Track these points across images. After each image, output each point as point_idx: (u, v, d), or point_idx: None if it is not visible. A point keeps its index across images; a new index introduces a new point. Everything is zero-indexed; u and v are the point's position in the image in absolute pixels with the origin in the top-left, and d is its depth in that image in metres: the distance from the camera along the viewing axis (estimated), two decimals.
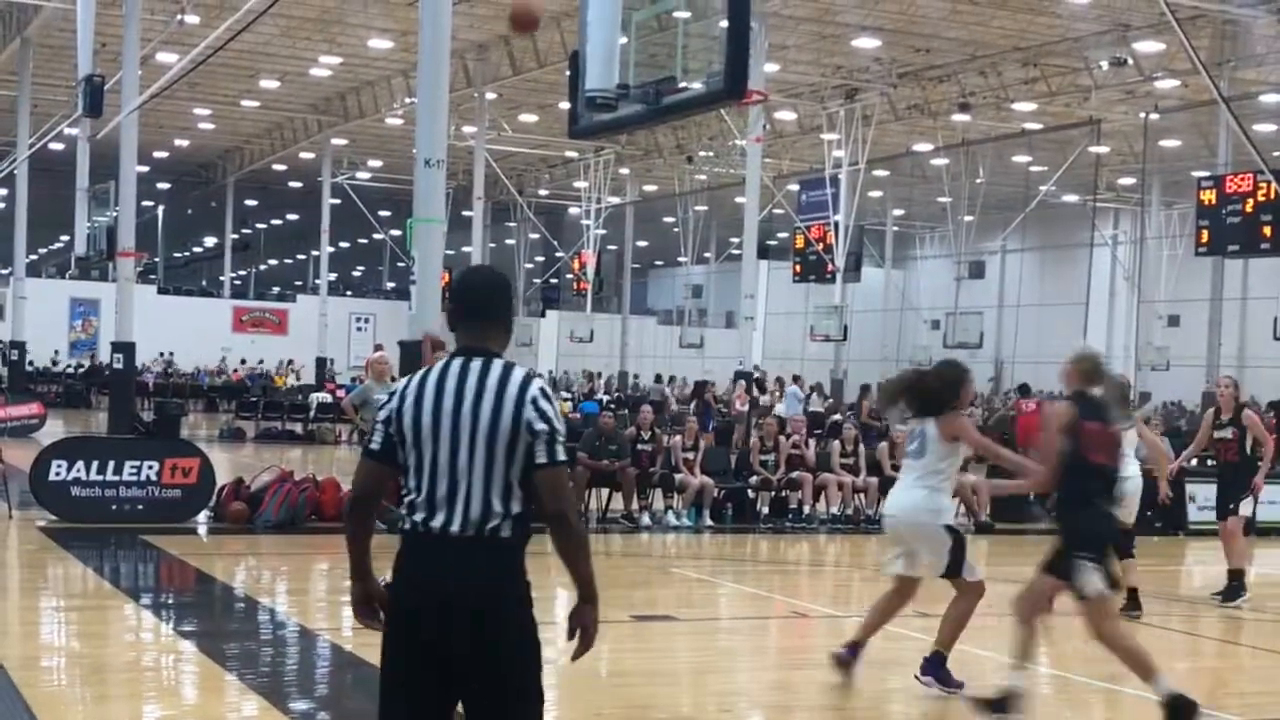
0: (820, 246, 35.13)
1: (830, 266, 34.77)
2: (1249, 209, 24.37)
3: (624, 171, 48.23)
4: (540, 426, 4.07)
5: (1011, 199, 41.65)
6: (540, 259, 57.41)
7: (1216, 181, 25.67)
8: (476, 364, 4.17)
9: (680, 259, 52.54)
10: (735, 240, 39.13)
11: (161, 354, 46.26)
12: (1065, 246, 47.65)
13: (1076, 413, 7.42)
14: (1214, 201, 25.19)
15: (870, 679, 8.83)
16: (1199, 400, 36.72)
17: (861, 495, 18.00)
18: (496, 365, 4.17)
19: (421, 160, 12.48)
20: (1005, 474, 8.54)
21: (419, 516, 4.11)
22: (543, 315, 55.73)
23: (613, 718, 7.57)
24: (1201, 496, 18.52)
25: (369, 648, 4.40)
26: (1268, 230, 24.09)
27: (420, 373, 4.27)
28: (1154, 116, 34.04)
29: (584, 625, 4.22)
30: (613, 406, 30.52)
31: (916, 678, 8.07)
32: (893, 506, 8.26)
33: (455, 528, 4.06)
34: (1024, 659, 7.36)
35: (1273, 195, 23.87)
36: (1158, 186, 42.03)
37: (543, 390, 4.13)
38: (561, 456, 4.09)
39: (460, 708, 4.16)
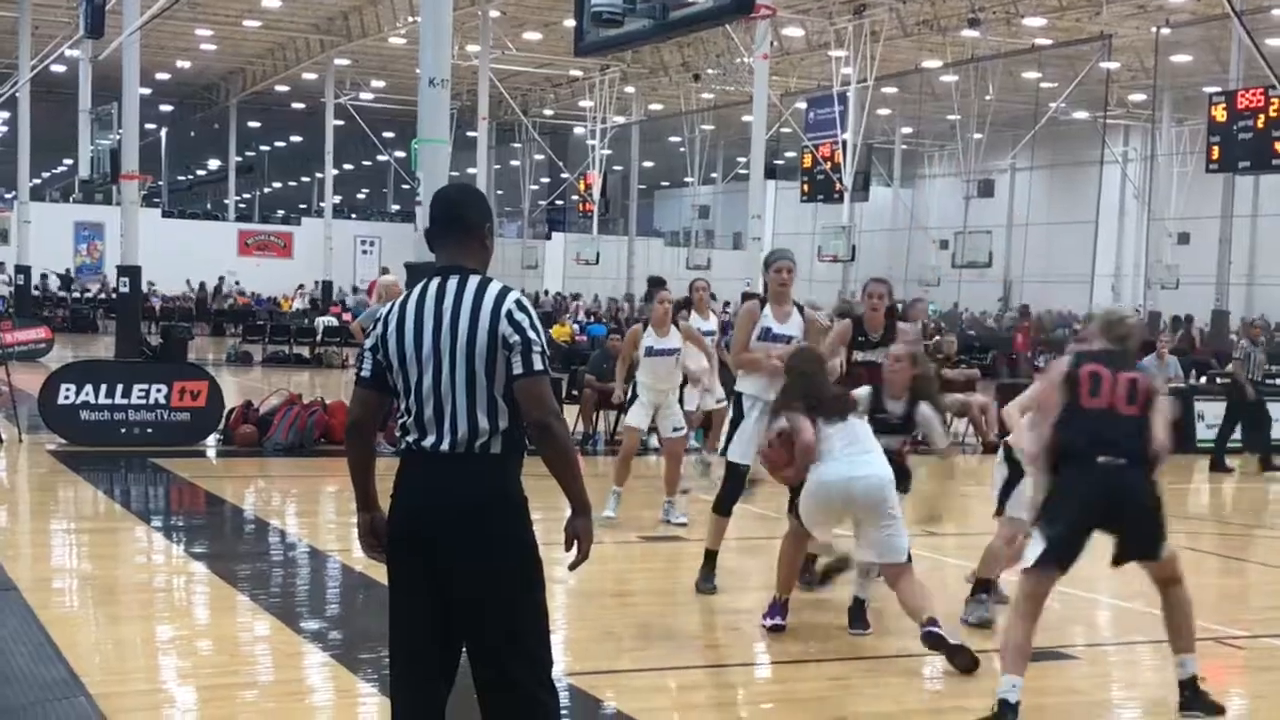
0: (828, 166, 34.92)
1: (838, 186, 34.58)
2: (1260, 125, 24.18)
3: (630, 91, 47.84)
4: (515, 338, 4.07)
5: (1021, 116, 41.28)
6: (545, 180, 57.13)
7: (1228, 97, 25.45)
8: (453, 282, 4.17)
9: (687, 179, 52.22)
10: (742, 160, 38.86)
11: (188, 281, 46.25)
12: (1075, 164, 47.31)
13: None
14: (1225, 118, 24.99)
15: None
16: (1208, 318, 36.68)
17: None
18: (472, 282, 4.17)
19: (425, 80, 12.33)
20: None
21: (411, 438, 4.17)
22: (548, 238, 55.54)
23: (622, 637, 7.59)
24: (1210, 415, 18.55)
25: (379, 568, 4.40)
26: (1279, 146, 23.91)
27: (402, 296, 4.28)
28: (1165, 31, 33.67)
29: (578, 535, 4.22)
30: (616, 330, 30.43)
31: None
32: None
33: (445, 447, 4.10)
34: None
35: None
36: (1169, 103, 41.62)
37: (518, 302, 4.13)
38: (539, 366, 4.08)
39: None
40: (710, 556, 8.77)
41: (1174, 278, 38.65)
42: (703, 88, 45.46)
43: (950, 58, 37.85)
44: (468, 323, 4.10)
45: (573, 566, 4.23)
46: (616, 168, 53.42)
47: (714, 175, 53.70)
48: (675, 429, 11.27)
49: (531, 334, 4.09)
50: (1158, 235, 39.64)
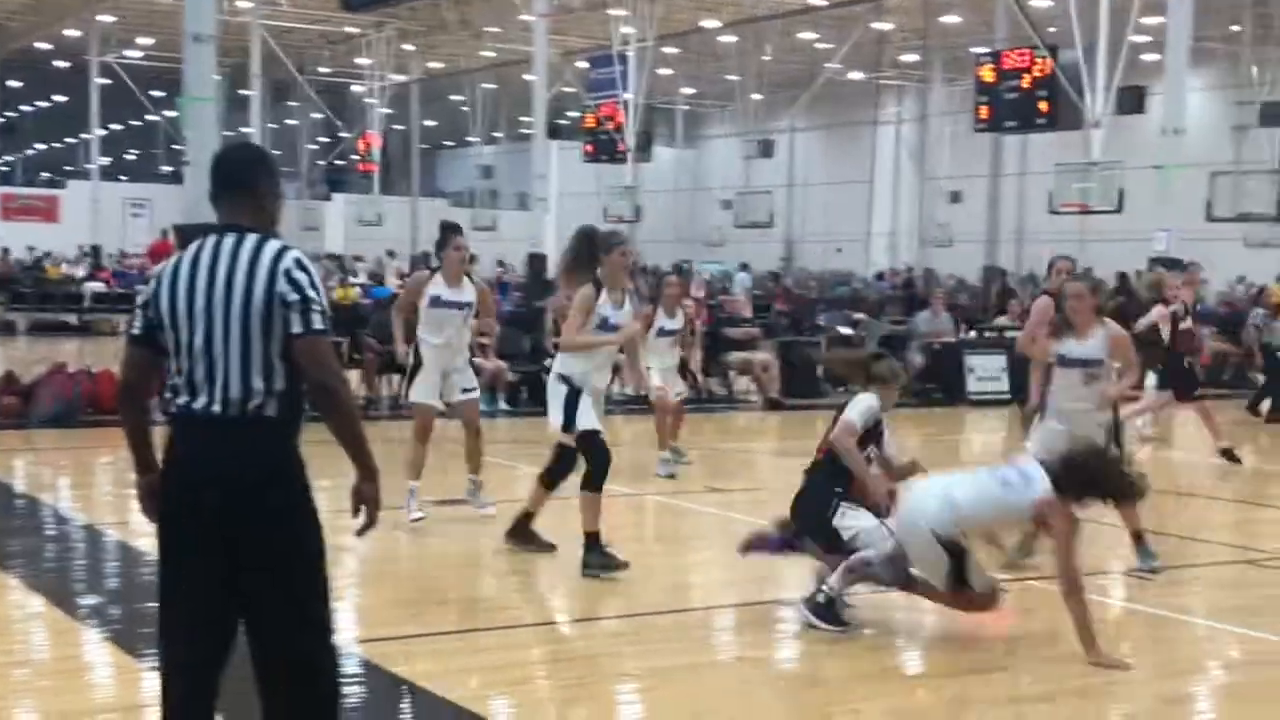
0: (611, 125, 34.99)
1: (621, 146, 34.69)
2: (1026, 85, 24.99)
3: (408, 48, 47.13)
4: (293, 297, 3.95)
5: (799, 77, 42.00)
6: (324, 140, 55.96)
7: (995, 58, 26.23)
8: (229, 240, 4.04)
9: (470, 139, 51.79)
10: (525, 119, 38.70)
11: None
12: (851, 124, 48.36)
13: None
14: (993, 78, 25.76)
15: (672, 554, 8.97)
16: (980, 274, 37.98)
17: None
18: (250, 240, 4.03)
19: (190, 36, 11.96)
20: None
21: (182, 400, 4.02)
22: (328, 198, 54.50)
23: (411, 603, 7.53)
24: (980, 368, 19.23)
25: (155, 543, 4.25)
26: (1044, 106, 24.76)
27: (177, 255, 4.13)
28: None
29: (365, 501, 4.14)
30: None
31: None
32: None
33: (217, 408, 3.96)
34: None
35: (1049, 71, 24.52)
36: (939, 64, 42.79)
37: (297, 260, 4.02)
38: (319, 325, 3.97)
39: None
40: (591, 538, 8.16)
41: (947, 236, 39.88)
42: (483, 46, 45.04)
43: (728, 18, 38.24)
44: (244, 280, 3.96)
45: (361, 532, 4.15)
46: (398, 127, 52.63)
47: (498, 135, 53.38)
48: (465, 390, 10.04)
49: (311, 293, 3.98)
50: (931, 194, 40.83)
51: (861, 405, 7.37)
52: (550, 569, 8.62)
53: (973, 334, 21.46)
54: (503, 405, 17.03)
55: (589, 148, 37.15)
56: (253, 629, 4.05)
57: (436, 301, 9.69)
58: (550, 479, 8.61)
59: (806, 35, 41.32)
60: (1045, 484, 6.63)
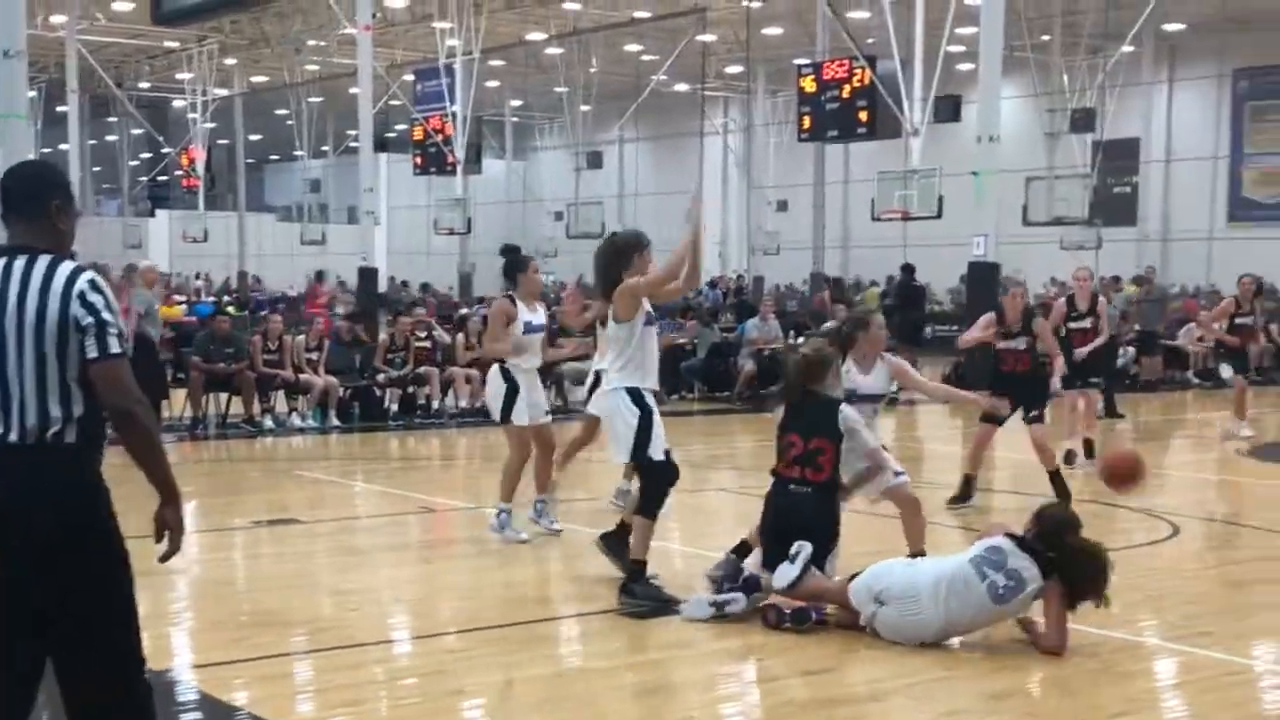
0: (439, 138, 34.79)
1: (450, 158, 34.50)
2: (846, 95, 25.45)
3: (231, 62, 46.26)
4: (87, 320, 3.86)
5: (626, 88, 42.20)
6: (147, 156, 54.63)
7: (816, 69, 26.68)
8: (20, 262, 3.93)
9: (297, 153, 51.00)
10: (353, 133, 38.23)
11: None
12: (679, 135, 48.75)
13: None
14: (814, 88, 26.18)
15: (510, 566, 8.96)
16: (807, 280, 38.62)
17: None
18: (41, 261, 3.92)
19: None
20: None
21: None
22: (152, 215, 53.23)
23: (242, 626, 7.39)
24: None
25: None
26: (864, 115, 25.25)
27: None
28: (756, 4, 35.02)
29: (168, 526, 4.03)
30: (231, 309, 29.57)
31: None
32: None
33: (14, 437, 3.86)
34: None
35: (868, 81, 25.03)
36: (763, 75, 43.41)
37: (91, 282, 3.92)
38: (116, 349, 3.88)
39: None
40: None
41: (775, 243, 40.42)
42: (308, 59, 44.42)
43: (554, 30, 38.30)
44: (36, 303, 3.85)
45: (164, 558, 4.05)
46: (222, 142, 51.62)
47: (325, 148, 52.66)
48: (546, 412, 9.97)
49: (106, 315, 3.88)
50: (758, 203, 41.32)
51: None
52: (388, 586, 8.55)
53: (801, 339, 21.79)
54: (334, 421, 16.82)
55: (418, 160, 36.87)
56: (58, 664, 3.94)
57: (529, 327, 9.70)
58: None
59: (632, 47, 41.58)
60: (1036, 575, 6.76)
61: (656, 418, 7.66)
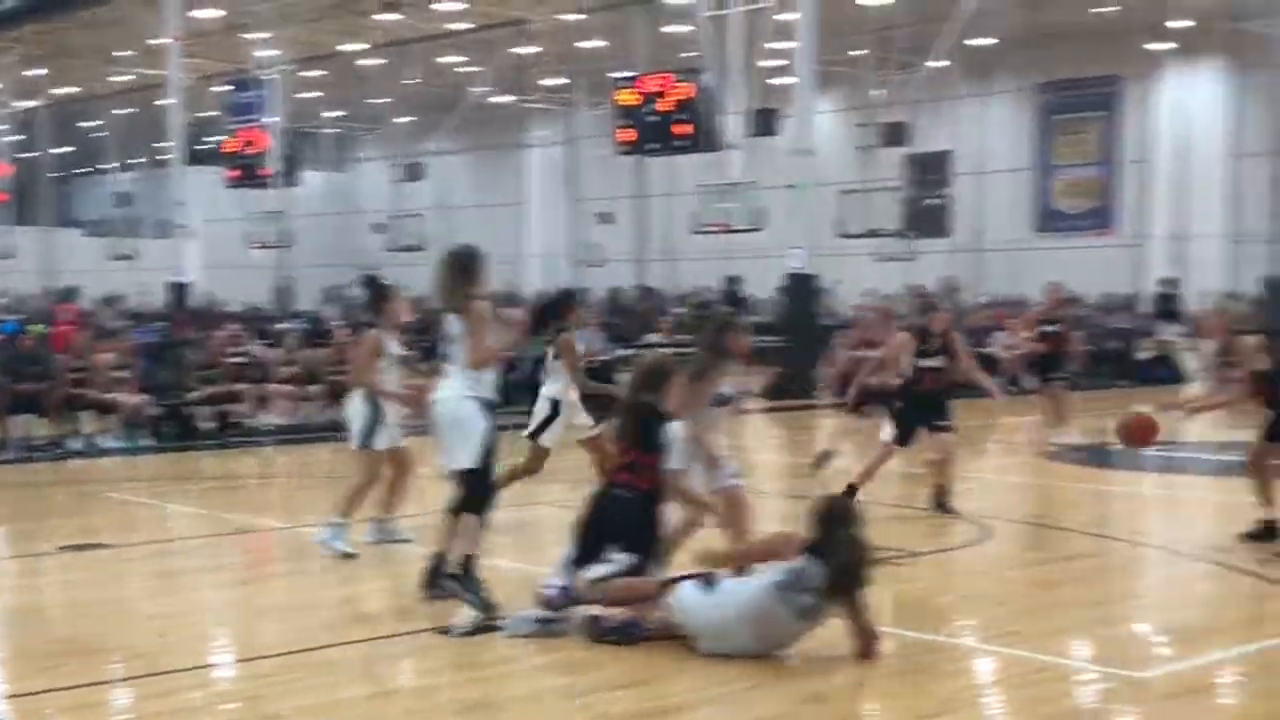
0: (253, 150, 34.16)
1: (266, 170, 33.91)
2: (665, 108, 25.64)
3: (37, 73, 44.79)
4: None
5: (446, 100, 41.98)
6: None
7: (634, 82, 26.83)
8: None
9: (105, 166, 49.61)
10: (164, 145, 37.33)
11: None
12: (501, 147, 48.67)
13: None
14: (633, 102, 26.33)
15: (332, 584, 8.81)
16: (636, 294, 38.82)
17: (308, 403, 17.82)
18: None
19: None
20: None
21: None
22: None
23: (52, 654, 7.11)
24: None
25: None
26: (683, 128, 25.46)
27: None
28: (574, 17, 35.14)
29: None
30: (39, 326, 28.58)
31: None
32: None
33: None
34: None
35: (687, 95, 25.27)
36: (584, 87, 43.55)
37: None
38: None
39: None
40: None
41: (600, 256, 40.57)
42: (115, 70, 43.24)
43: (370, 41, 37.91)
44: None
45: None
46: (27, 155, 49.92)
47: (135, 161, 51.28)
48: (403, 434, 9.96)
49: None
50: (582, 216, 41.46)
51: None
52: (203, 609, 8.34)
53: (627, 351, 21.88)
54: (145, 441, 16.37)
55: (232, 173, 36.12)
56: None
57: (393, 360, 9.80)
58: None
59: (450, 59, 41.35)
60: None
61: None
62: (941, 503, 11.30)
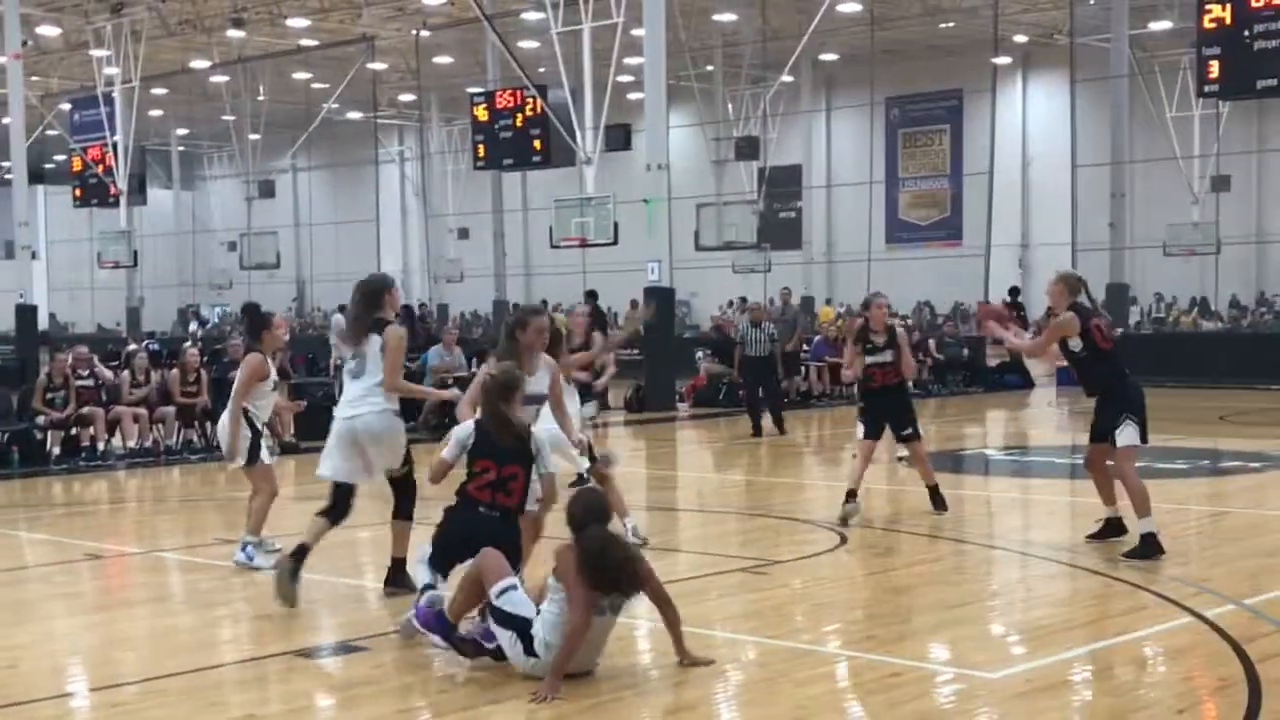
0: (100, 169, 33.44)
1: (113, 190, 33.21)
2: (519, 124, 25.69)
3: None
4: None
5: (296, 117, 41.54)
6: None
7: (488, 98, 26.85)
8: None
9: None
10: (6, 164, 36.36)
11: None
12: (354, 164, 48.25)
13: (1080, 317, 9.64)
14: (487, 117, 26.33)
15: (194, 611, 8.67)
16: (490, 309, 38.73)
17: (160, 426, 17.48)
18: None
19: None
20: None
21: None
22: None
23: None
24: None
25: None
26: (537, 144, 25.54)
27: None
28: (425, 33, 35.02)
29: None
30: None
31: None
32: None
33: None
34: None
35: (540, 110, 25.34)
36: (436, 103, 43.39)
37: None
38: None
39: None
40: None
41: (458, 271, 40.42)
42: None
43: (218, 58, 37.37)
44: None
45: None
46: None
47: None
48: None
49: None
50: (438, 231, 41.27)
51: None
52: (56, 638, 8.16)
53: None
54: None
55: (78, 192, 35.35)
56: None
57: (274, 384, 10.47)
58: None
59: (301, 75, 40.93)
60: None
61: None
62: (937, 501, 11.63)
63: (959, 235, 38.48)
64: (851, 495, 11.34)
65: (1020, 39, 35.25)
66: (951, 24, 34.90)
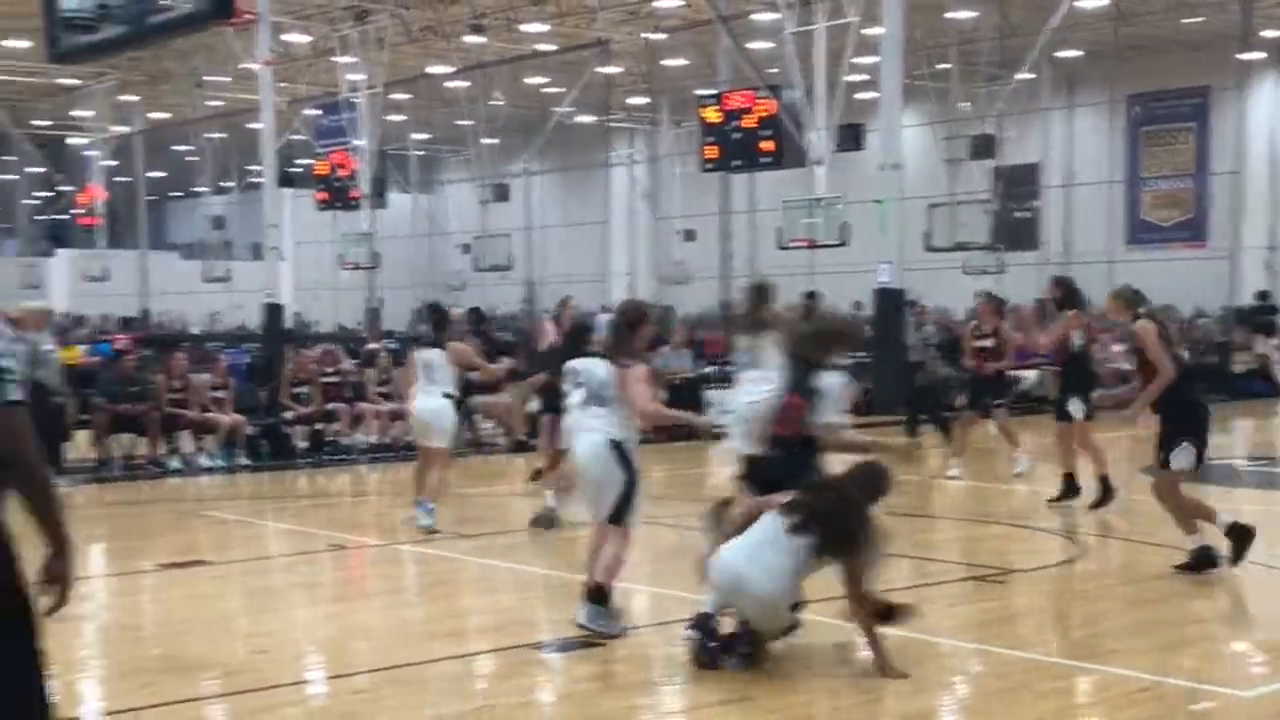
0: (344, 172, 34.58)
1: (355, 193, 34.30)
2: (750, 125, 25.61)
3: (130, 99, 45.69)
4: None
5: (531, 121, 42.25)
6: (47, 194, 53.79)
7: (718, 99, 26.85)
8: None
9: (199, 189, 50.45)
10: (256, 168, 37.92)
11: None
12: (585, 167, 48.89)
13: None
14: (717, 119, 26.33)
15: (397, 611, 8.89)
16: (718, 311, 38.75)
17: (400, 422, 17.99)
18: None
19: None
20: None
21: None
22: (50, 254, 52.40)
23: (151, 671, 7.24)
24: (720, 402, 19.57)
25: None
26: (768, 145, 25.42)
27: None
28: (658, 36, 35.22)
29: (56, 578, 3.88)
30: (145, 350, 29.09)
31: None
32: None
33: None
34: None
35: (771, 111, 25.23)
36: (667, 105, 43.63)
37: None
38: (12, 395, 3.74)
39: None
40: None
41: (684, 273, 40.55)
42: (208, 95, 44.00)
43: (457, 63, 38.27)
44: None
45: (50, 611, 3.88)
46: (122, 179, 50.94)
47: (228, 184, 52.14)
48: None
49: (5, 361, 3.77)
50: (665, 233, 41.48)
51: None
52: (299, 626, 8.45)
53: (711, 369, 21.88)
54: (242, 460, 16.61)
55: (322, 195, 36.63)
56: None
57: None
58: None
59: (535, 80, 41.63)
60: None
61: None
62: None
63: (1203, 236, 37.09)
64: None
65: (1271, 34, 33.71)
66: (1199, 19, 33.60)
